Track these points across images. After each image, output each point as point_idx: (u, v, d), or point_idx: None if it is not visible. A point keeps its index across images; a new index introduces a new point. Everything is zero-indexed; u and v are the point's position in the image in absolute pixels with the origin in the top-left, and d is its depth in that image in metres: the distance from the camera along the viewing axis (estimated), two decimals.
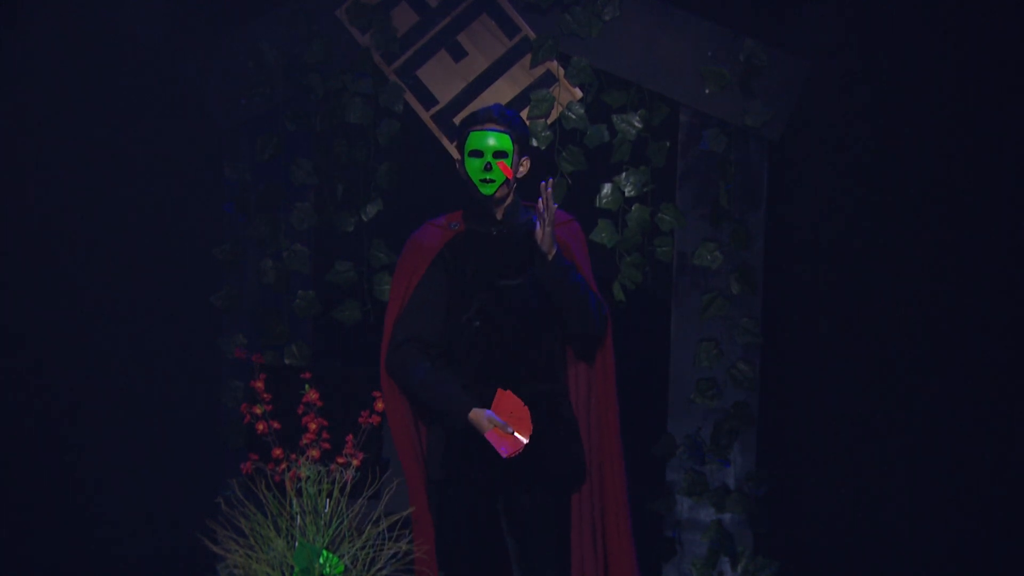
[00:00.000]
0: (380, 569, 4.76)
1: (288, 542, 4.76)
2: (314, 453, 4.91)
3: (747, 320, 6.30)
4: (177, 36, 6.65)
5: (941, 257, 6.35)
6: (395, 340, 5.08)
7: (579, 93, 6.35)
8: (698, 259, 6.30)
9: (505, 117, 5.03)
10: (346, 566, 4.75)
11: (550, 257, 4.92)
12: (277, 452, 4.94)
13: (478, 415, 4.94)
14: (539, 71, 6.39)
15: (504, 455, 4.90)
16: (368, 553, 4.77)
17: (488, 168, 4.99)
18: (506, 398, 4.95)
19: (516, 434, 4.91)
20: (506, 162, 4.98)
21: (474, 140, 5.00)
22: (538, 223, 4.88)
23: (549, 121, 6.35)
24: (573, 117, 6.30)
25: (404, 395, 5.12)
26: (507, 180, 5.01)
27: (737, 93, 6.28)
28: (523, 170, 5.08)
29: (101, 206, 6.77)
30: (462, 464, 5.03)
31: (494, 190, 4.99)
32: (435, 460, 5.09)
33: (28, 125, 6.71)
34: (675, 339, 6.38)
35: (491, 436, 4.92)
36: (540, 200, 4.87)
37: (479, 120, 5.03)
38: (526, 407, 4.93)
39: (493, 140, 4.98)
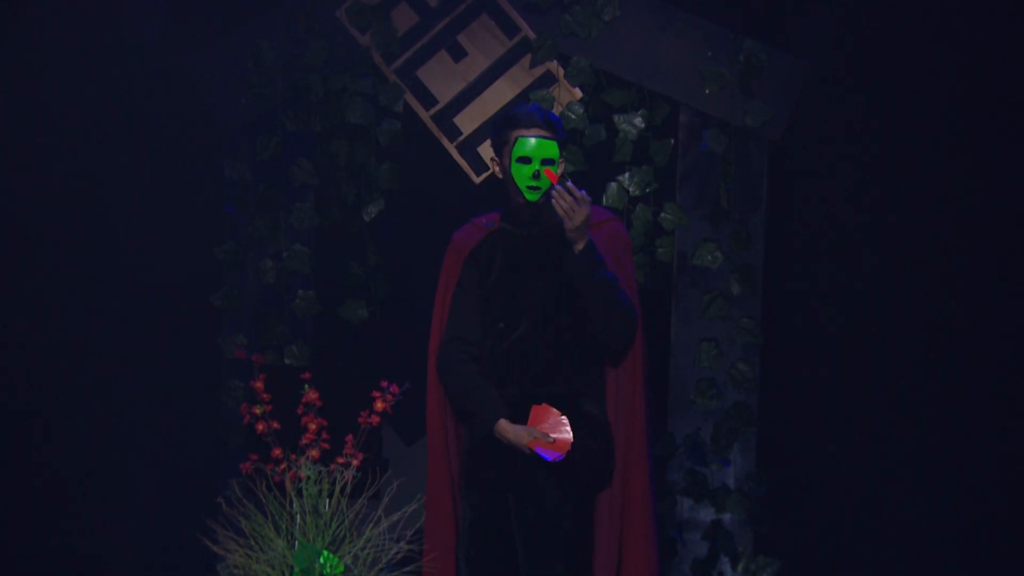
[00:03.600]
0: (381, 569, 4.76)
1: (288, 542, 4.76)
2: (314, 453, 4.91)
3: (747, 320, 6.30)
4: (177, 36, 6.65)
5: (942, 256, 6.35)
6: (443, 340, 5.11)
7: (579, 93, 6.35)
8: (698, 259, 6.29)
9: (550, 123, 5.00)
10: (346, 566, 4.75)
11: (577, 248, 4.91)
12: (277, 452, 4.94)
13: (506, 427, 4.94)
14: (539, 71, 6.39)
15: (549, 460, 4.92)
16: (368, 553, 4.77)
17: (537, 176, 4.97)
18: (541, 412, 4.96)
19: (558, 439, 4.92)
20: (552, 169, 4.97)
21: (523, 146, 4.97)
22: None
23: None
24: (573, 117, 6.30)
25: (446, 396, 5.13)
26: (551, 185, 5.01)
27: (737, 93, 6.28)
28: (559, 170, 5.06)
29: (101, 206, 6.77)
30: (480, 468, 5.03)
31: (539, 196, 4.99)
32: (462, 464, 5.11)
33: (29, 125, 6.71)
34: (675, 339, 6.38)
35: (534, 445, 4.93)
36: (553, 192, 4.89)
37: (525, 124, 4.99)
38: (561, 415, 4.94)
39: (543, 148, 4.96)
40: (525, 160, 4.97)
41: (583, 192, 4.90)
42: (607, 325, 4.95)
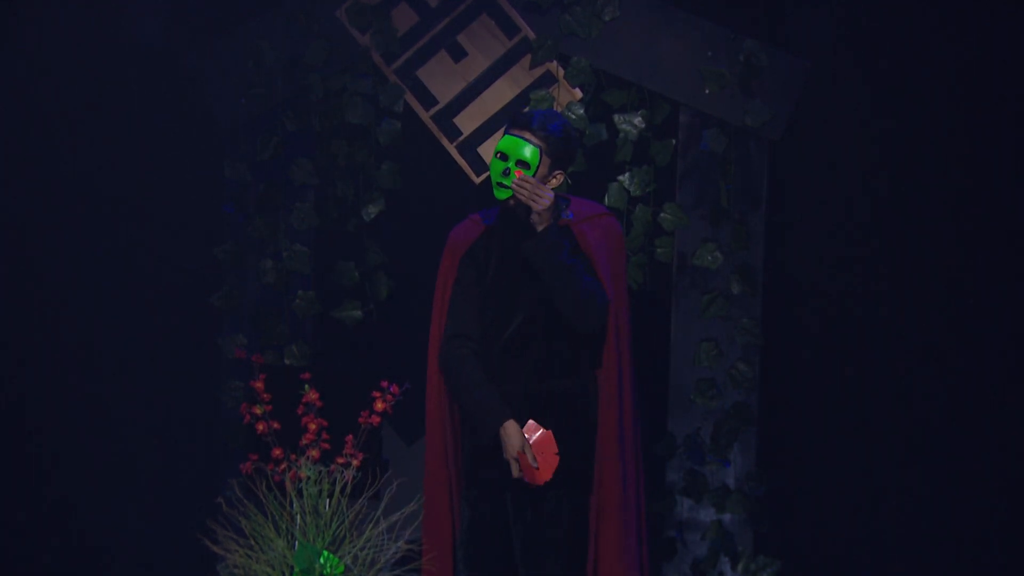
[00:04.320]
0: (381, 569, 4.76)
1: (288, 542, 4.76)
2: (314, 453, 4.91)
3: (747, 320, 6.30)
4: (177, 36, 6.64)
5: (942, 256, 6.34)
6: (444, 336, 5.11)
7: (579, 94, 6.35)
8: (698, 259, 6.29)
9: (545, 128, 4.98)
10: (346, 566, 4.75)
11: (539, 229, 4.92)
12: (277, 452, 4.94)
13: (511, 431, 4.95)
14: (539, 71, 6.39)
15: (514, 474, 4.93)
16: (368, 553, 4.77)
17: (506, 173, 4.97)
18: (546, 439, 4.97)
19: (540, 469, 4.95)
20: (527, 172, 4.95)
21: (504, 142, 4.98)
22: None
23: None
24: (573, 117, 6.30)
25: (449, 394, 5.13)
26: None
27: (737, 93, 6.28)
28: (555, 182, 5.04)
29: (101, 206, 6.77)
30: (479, 468, 5.04)
31: (507, 196, 4.99)
32: (461, 463, 5.12)
33: (28, 125, 6.71)
34: (675, 339, 6.38)
35: (522, 459, 4.95)
36: (513, 184, 4.91)
37: (519, 124, 5.00)
38: (557, 456, 4.96)
39: (519, 149, 4.96)
40: (501, 156, 4.98)
41: (549, 191, 4.93)
42: (567, 308, 4.96)
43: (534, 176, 4.95)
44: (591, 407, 5.05)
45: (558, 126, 4.99)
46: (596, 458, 5.04)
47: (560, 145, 5.00)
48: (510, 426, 4.96)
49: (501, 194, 4.99)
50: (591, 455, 5.03)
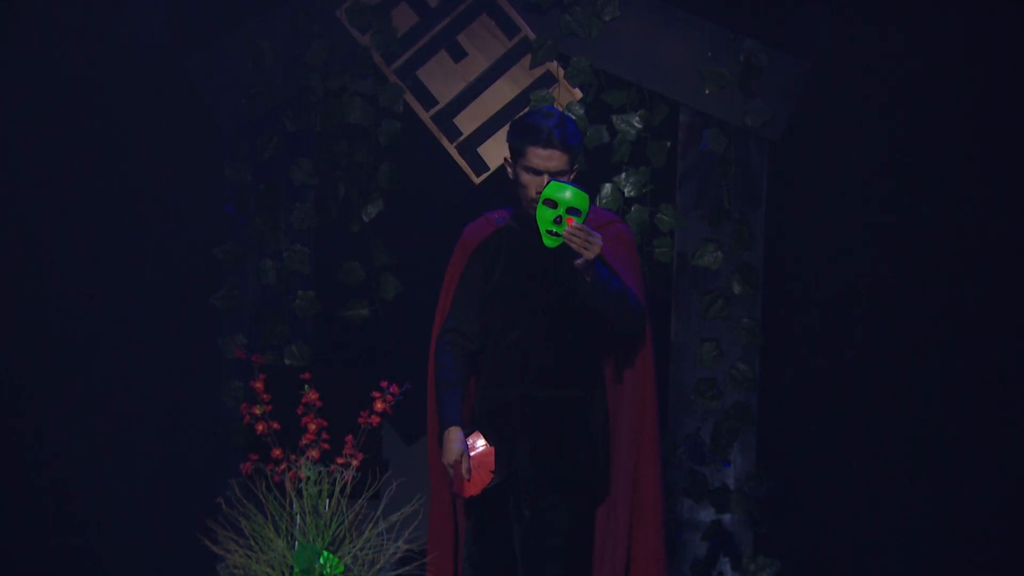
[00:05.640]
0: (380, 569, 4.76)
1: (288, 542, 4.77)
2: (314, 453, 4.92)
3: (747, 320, 6.30)
4: (177, 36, 6.65)
5: (942, 256, 6.35)
6: (441, 330, 5.11)
7: (579, 93, 6.35)
8: (698, 260, 6.29)
9: (565, 140, 4.92)
10: (346, 566, 4.75)
11: (587, 277, 4.86)
12: (277, 452, 4.94)
13: (452, 438, 4.96)
14: (539, 71, 6.39)
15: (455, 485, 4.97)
16: (368, 553, 4.77)
17: (558, 222, 4.87)
18: (486, 454, 4.97)
19: (471, 481, 4.95)
20: (576, 219, 4.82)
21: (551, 189, 4.83)
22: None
23: None
24: (573, 117, 6.29)
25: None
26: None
27: (737, 93, 6.28)
28: (571, 176, 5.03)
29: (101, 206, 6.77)
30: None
31: (558, 244, 4.86)
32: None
33: (28, 125, 6.72)
34: (675, 340, 6.38)
35: (456, 467, 4.94)
36: (564, 232, 4.84)
37: (540, 141, 4.91)
38: (492, 475, 4.95)
39: (569, 197, 4.82)
40: (549, 204, 4.87)
41: (598, 234, 4.86)
42: (620, 325, 4.96)
43: (581, 221, 4.87)
44: (594, 415, 5.03)
45: (575, 131, 4.96)
46: (632, 463, 5.03)
47: (579, 149, 4.99)
48: (452, 433, 4.96)
49: (552, 242, 4.86)
50: (591, 463, 5.02)
